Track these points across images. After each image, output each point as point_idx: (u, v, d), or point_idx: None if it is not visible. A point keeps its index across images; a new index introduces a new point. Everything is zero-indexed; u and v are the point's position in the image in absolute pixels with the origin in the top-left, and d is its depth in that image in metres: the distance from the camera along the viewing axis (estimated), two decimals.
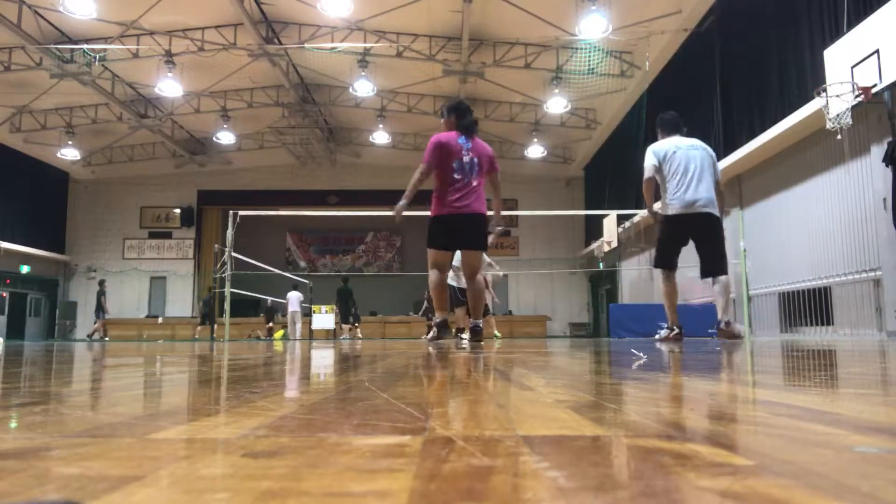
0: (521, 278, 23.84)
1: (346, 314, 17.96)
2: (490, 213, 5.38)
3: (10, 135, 20.21)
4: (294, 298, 18.16)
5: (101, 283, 19.43)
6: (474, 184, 5.06)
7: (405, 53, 15.80)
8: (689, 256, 6.24)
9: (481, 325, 5.27)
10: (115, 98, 18.20)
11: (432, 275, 5.23)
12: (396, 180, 22.65)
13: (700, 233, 5.69)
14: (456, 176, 5.04)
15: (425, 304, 19.02)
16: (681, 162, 5.65)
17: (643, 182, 5.85)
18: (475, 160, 5.08)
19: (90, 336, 19.05)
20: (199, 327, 18.44)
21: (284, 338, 18.10)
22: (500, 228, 5.57)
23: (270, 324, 19.58)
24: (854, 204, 9.25)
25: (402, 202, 5.20)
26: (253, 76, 17.80)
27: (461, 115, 5.29)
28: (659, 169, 5.71)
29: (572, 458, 0.54)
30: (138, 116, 19.46)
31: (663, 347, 4.32)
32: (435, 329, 5.35)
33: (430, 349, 4.34)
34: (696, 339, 9.62)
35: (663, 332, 6.10)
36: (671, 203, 5.64)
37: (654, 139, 6.21)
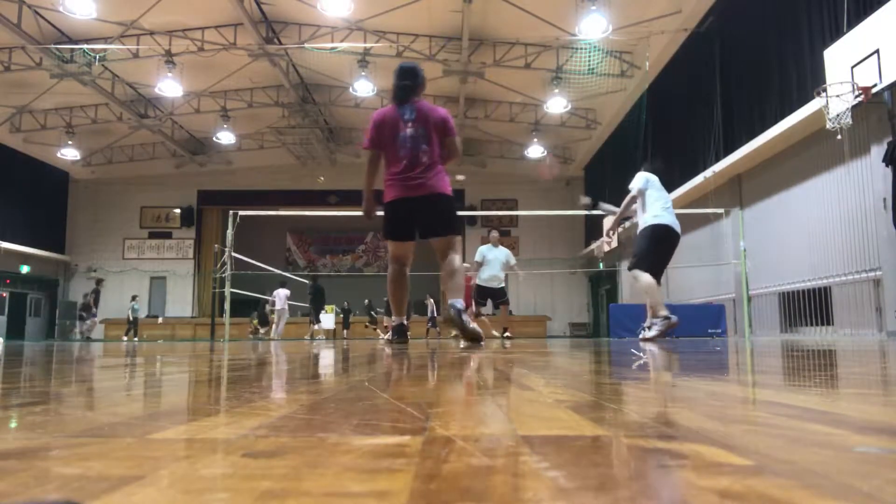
0: (520, 278, 23.83)
1: (318, 313, 17.69)
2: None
3: (10, 135, 20.22)
4: (282, 295, 17.73)
5: (99, 282, 19.25)
6: (424, 160, 4.35)
7: (405, 53, 15.80)
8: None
9: (458, 307, 4.35)
10: (115, 98, 18.20)
11: (390, 269, 4.63)
12: None
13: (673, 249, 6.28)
14: (401, 153, 4.38)
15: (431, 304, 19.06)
16: (663, 191, 6.32)
17: (630, 196, 6.24)
18: (421, 131, 4.39)
19: (85, 335, 18.65)
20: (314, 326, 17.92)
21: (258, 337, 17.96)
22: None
23: (258, 324, 19.30)
24: (854, 204, 9.25)
25: (364, 198, 4.70)
26: (253, 76, 17.80)
27: (396, 80, 4.60)
28: (644, 191, 6.23)
29: (572, 458, 0.54)
30: (138, 116, 19.47)
31: (652, 347, 4.20)
32: (391, 332, 4.75)
33: (387, 350, 4.02)
34: (696, 339, 9.62)
35: (661, 324, 5.91)
36: (667, 216, 6.11)
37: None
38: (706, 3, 12.80)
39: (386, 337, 5.07)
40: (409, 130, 4.39)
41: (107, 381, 1.73)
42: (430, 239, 4.51)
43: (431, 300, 19.26)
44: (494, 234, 10.90)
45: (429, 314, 18.87)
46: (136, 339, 18.42)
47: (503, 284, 10.58)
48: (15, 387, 1.50)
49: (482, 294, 10.60)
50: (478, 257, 10.59)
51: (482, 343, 4.44)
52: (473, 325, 4.39)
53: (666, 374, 1.73)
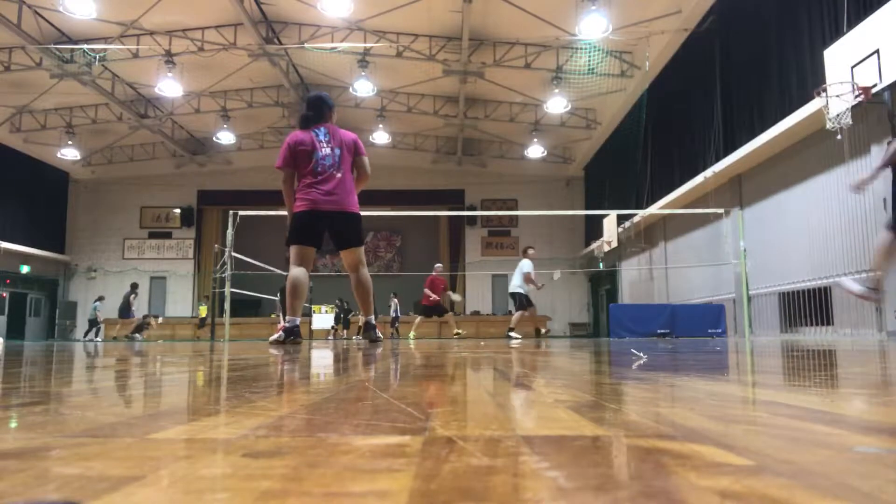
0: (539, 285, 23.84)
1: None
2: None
3: (10, 135, 20.21)
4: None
5: (133, 286, 19.46)
6: (338, 176, 4.77)
7: (405, 53, 15.80)
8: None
9: (374, 322, 5.20)
10: (115, 98, 18.20)
11: (295, 272, 4.82)
12: (396, 180, 22.88)
13: None
14: (318, 169, 4.77)
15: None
16: None
17: None
18: (337, 151, 4.81)
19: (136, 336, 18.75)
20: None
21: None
22: None
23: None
24: (854, 204, 9.25)
25: (288, 216, 5.01)
26: (253, 76, 17.80)
27: (305, 108, 5.07)
28: None
29: (572, 458, 0.54)
30: (138, 116, 19.47)
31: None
32: (282, 333, 4.97)
33: (273, 350, 4.21)
34: (696, 339, 9.63)
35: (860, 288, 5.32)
36: None
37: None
38: (706, 3, 12.80)
39: (275, 337, 5.26)
40: (325, 150, 4.79)
41: (106, 381, 1.73)
42: (340, 251, 5.02)
43: (395, 300, 19.16)
44: (532, 251, 12.18)
45: (391, 314, 18.78)
46: (96, 338, 18.61)
47: (519, 291, 11.71)
48: (15, 387, 1.50)
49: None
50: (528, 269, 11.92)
51: (380, 342, 5.37)
52: (378, 333, 5.31)
53: (665, 375, 1.73)
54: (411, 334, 13.27)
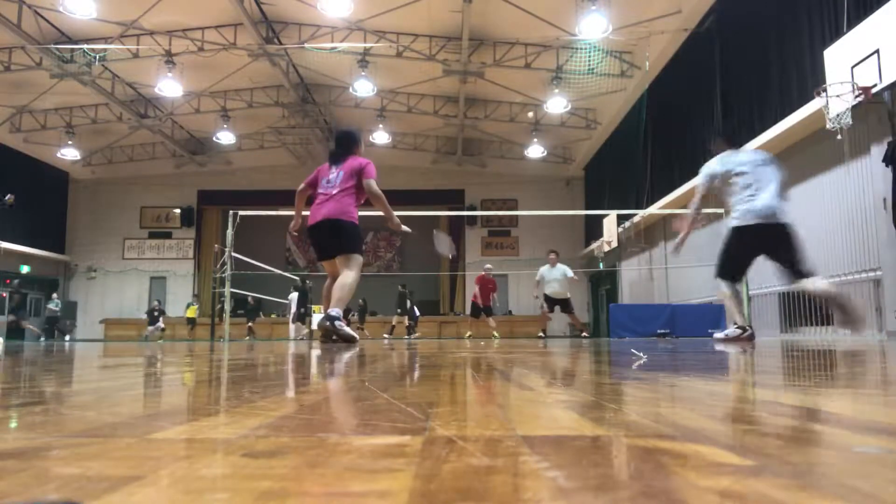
0: (521, 278, 23.84)
1: (304, 314, 17.49)
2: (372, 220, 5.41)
3: (10, 135, 20.21)
4: (296, 299, 17.82)
5: (18, 285, 19.28)
6: (333, 192, 5.22)
7: (405, 53, 15.80)
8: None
9: (333, 315, 5.04)
10: (115, 98, 18.20)
11: (327, 282, 5.45)
12: (396, 180, 22.83)
13: (772, 243, 5.30)
14: (321, 190, 5.35)
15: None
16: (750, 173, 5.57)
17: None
18: (340, 174, 5.26)
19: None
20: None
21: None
22: (405, 229, 5.69)
23: (250, 323, 19.38)
24: (854, 204, 9.24)
25: (294, 218, 5.87)
26: (253, 76, 17.80)
27: (334, 144, 5.62)
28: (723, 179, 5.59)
29: (572, 458, 0.54)
30: (138, 116, 19.47)
31: (731, 349, 3.92)
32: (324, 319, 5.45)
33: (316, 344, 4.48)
34: (696, 339, 9.62)
35: (732, 332, 5.54)
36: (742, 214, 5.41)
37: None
38: (706, 3, 12.79)
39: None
40: (332, 174, 5.34)
41: (106, 381, 1.73)
42: (336, 258, 5.28)
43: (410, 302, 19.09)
44: (552, 255, 12.66)
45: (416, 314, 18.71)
46: (42, 338, 18.56)
47: (568, 296, 12.28)
48: (15, 387, 1.50)
49: (550, 302, 12.47)
50: (538, 277, 12.51)
51: (354, 343, 5.08)
52: (346, 329, 5.13)
53: (665, 375, 1.73)
54: (468, 334, 13.95)
